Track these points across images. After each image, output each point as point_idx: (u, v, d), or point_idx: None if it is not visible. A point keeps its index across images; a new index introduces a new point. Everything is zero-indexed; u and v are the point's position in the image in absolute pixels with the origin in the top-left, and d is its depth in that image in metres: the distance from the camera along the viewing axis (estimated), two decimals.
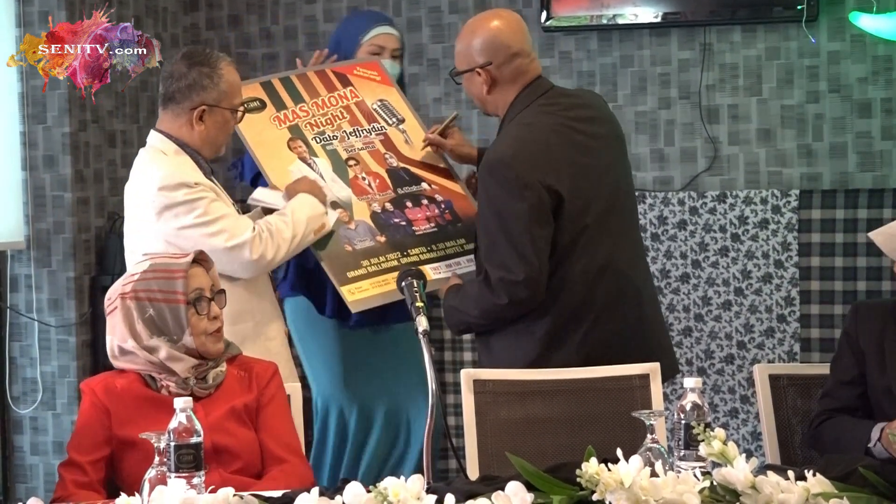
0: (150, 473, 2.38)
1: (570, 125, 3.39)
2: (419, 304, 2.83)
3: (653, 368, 3.18)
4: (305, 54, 4.13)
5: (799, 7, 4.89)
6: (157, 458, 2.38)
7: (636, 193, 3.84)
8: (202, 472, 2.37)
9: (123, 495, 2.25)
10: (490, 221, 3.31)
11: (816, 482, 2.29)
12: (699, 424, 2.37)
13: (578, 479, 2.25)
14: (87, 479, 2.77)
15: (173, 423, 2.37)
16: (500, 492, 2.24)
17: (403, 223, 3.65)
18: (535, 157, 3.29)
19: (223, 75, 3.41)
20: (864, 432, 2.94)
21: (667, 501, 2.23)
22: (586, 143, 3.39)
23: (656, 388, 3.16)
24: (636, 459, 2.28)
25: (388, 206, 3.68)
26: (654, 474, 2.27)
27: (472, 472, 2.97)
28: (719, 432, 2.36)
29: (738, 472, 2.28)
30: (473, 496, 2.27)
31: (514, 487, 2.25)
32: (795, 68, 5.03)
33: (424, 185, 3.75)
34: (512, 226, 3.25)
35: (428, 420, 2.62)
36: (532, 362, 3.29)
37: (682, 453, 2.47)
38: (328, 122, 3.80)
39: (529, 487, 2.27)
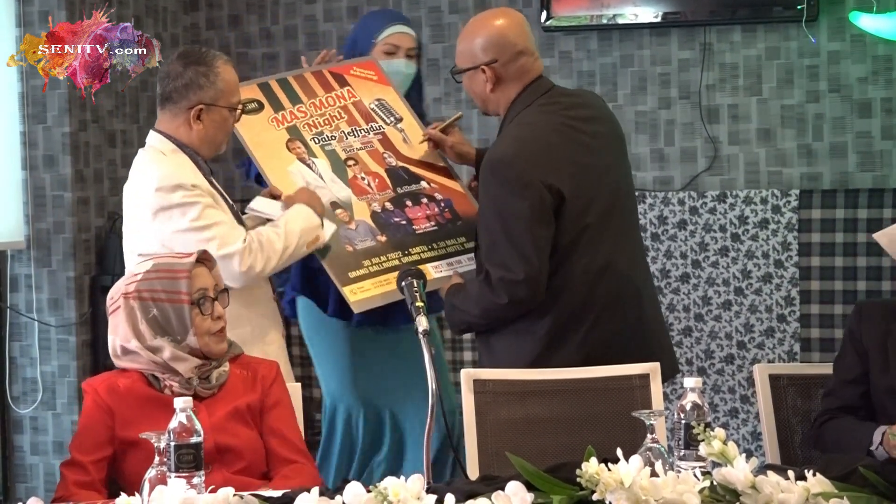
0: (150, 473, 2.38)
1: (571, 125, 3.39)
2: (419, 303, 2.83)
3: (653, 368, 3.18)
4: (310, 54, 4.12)
5: (799, 7, 4.89)
6: (157, 458, 2.38)
7: (636, 193, 3.84)
8: (202, 472, 2.37)
9: (123, 495, 2.25)
10: (491, 221, 3.31)
11: (816, 482, 2.29)
12: (699, 424, 2.37)
13: (578, 479, 2.25)
14: (89, 478, 2.77)
15: (173, 423, 2.37)
16: (500, 492, 2.24)
17: (404, 222, 3.65)
18: (537, 157, 3.29)
19: (220, 74, 3.40)
20: (866, 435, 2.94)
21: (667, 501, 2.23)
22: (587, 143, 3.39)
23: (656, 388, 3.16)
24: (636, 459, 2.28)
25: (388, 205, 3.68)
26: (654, 474, 2.27)
27: (472, 472, 2.97)
28: (719, 432, 2.36)
29: (738, 471, 2.28)
30: (473, 496, 2.27)
31: (514, 487, 2.25)
32: (795, 68, 5.04)
33: (424, 184, 3.75)
34: (513, 225, 3.25)
35: (428, 420, 2.62)
36: (532, 362, 3.29)
37: (682, 453, 2.47)
38: (326, 122, 3.80)
39: (529, 487, 2.27)
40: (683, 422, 2.47)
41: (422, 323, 2.75)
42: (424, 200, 3.71)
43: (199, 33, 5.61)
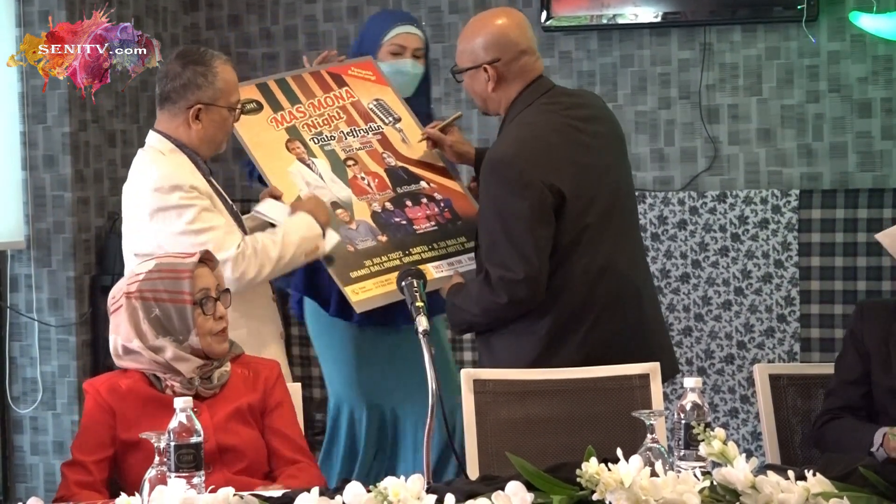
0: (150, 473, 2.38)
1: (571, 124, 3.39)
2: (419, 303, 2.83)
3: (653, 368, 3.18)
4: (310, 54, 4.12)
5: (799, 7, 4.89)
6: (157, 458, 2.38)
7: (636, 193, 3.84)
8: (202, 472, 2.37)
9: (123, 495, 2.25)
10: (491, 220, 3.32)
11: (816, 482, 2.29)
12: (699, 424, 2.37)
13: (578, 479, 2.25)
14: (91, 478, 2.77)
15: (173, 423, 2.37)
16: (500, 492, 2.24)
17: (404, 222, 3.66)
18: (537, 157, 3.29)
19: (218, 73, 3.39)
20: (867, 436, 2.93)
21: (667, 501, 2.23)
22: (588, 143, 3.39)
23: (656, 388, 3.16)
24: (636, 459, 2.28)
25: (388, 205, 3.69)
26: (654, 474, 2.27)
27: (472, 472, 2.97)
28: (719, 432, 2.36)
29: (738, 471, 2.28)
30: (473, 496, 2.27)
31: (514, 487, 2.25)
32: (795, 68, 5.04)
33: (423, 184, 3.76)
34: (513, 225, 3.26)
35: (428, 420, 2.62)
36: (533, 362, 3.29)
37: (682, 453, 2.47)
38: (325, 122, 3.80)
39: (529, 487, 2.27)
40: (683, 422, 2.47)
41: (422, 323, 2.75)
42: (424, 200, 3.72)
43: (199, 33, 5.61)
